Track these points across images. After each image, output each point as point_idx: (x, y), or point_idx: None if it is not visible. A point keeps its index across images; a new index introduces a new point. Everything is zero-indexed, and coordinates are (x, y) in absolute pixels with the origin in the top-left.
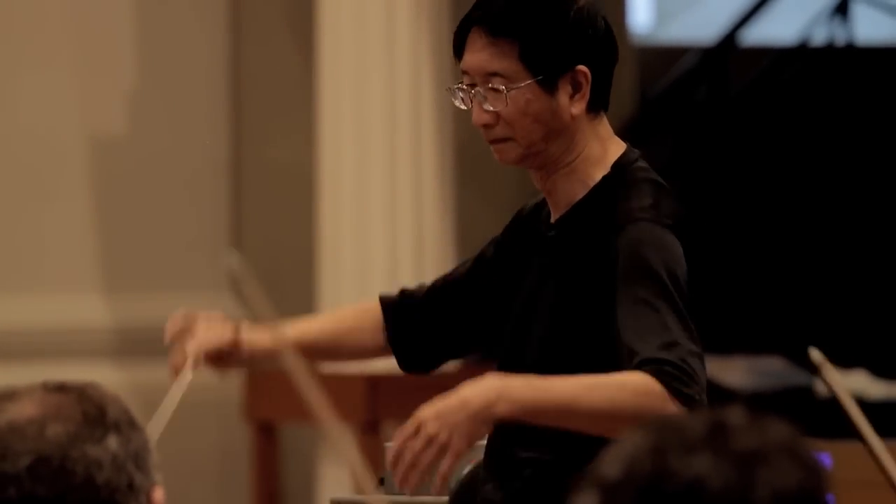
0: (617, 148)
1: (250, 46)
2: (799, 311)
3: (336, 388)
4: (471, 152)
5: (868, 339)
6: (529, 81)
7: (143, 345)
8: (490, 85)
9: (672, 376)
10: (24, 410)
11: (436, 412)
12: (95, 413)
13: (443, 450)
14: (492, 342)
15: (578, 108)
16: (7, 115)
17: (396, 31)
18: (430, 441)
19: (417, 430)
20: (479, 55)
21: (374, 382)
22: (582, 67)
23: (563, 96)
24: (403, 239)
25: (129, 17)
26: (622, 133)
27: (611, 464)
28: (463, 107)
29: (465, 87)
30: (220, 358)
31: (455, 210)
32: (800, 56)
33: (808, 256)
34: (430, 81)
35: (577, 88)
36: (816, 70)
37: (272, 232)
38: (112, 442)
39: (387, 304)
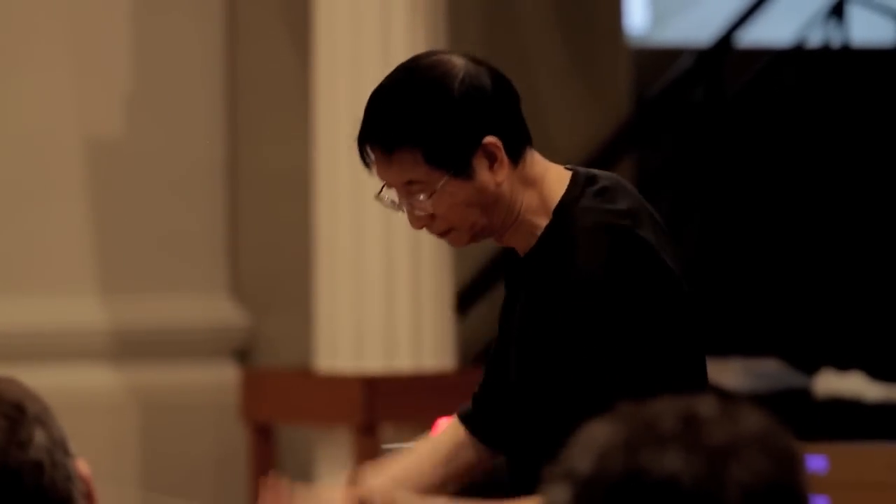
0: (557, 185)
1: (247, 49)
2: (796, 313)
3: (333, 389)
4: None
5: (865, 341)
6: (445, 178)
7: (140, 346)
8: (411, 192)
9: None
10: None
11: None
12: (15, 413)
13: None
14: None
15: (501, 174)
16: (4, 116)
17: (392, 33)
18: None
19: None
20: (388, 170)
21: (372, 384)
22: (489, 139)
23: (483, 173)
24: (400, 241)
25: (126, 19)
26: (618, 135)
27: (582, 457)
28: (400, 212)
29: (387, 191)
30: None
31: None
32: (796, 58)
33: (805, 258)
34: None
35: (492, 159)
36: (812, 72)
37: (269, 233)
38: (40, 437)
39: (464, 416)
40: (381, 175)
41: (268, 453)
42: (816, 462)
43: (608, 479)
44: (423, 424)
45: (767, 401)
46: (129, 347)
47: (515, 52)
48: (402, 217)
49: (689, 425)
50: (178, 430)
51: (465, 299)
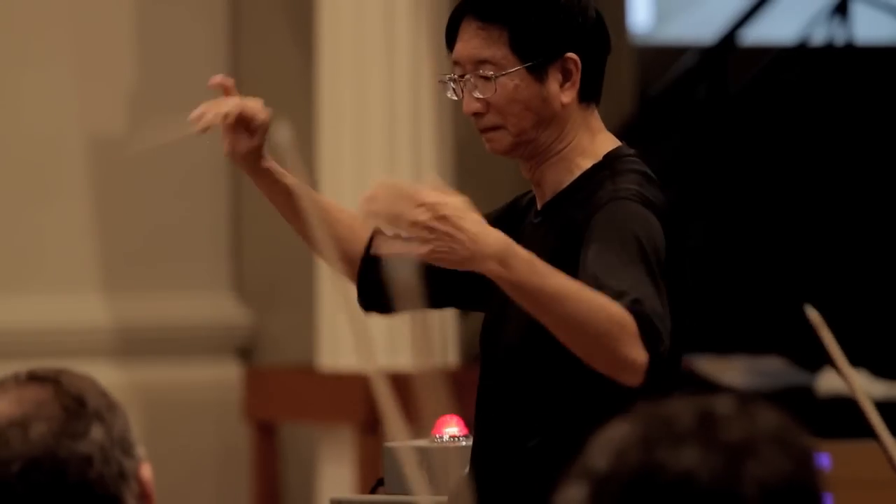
0: (609, 142)
1: (250, 47)
2: (799, 310)
3: (336, 387)
4: (470, 151)
5: (868, 339)
6: (518, 68)
7: (143, 344)
8: (480, 72)
9: (649, 327)
10: (2, 411)
11: (452, 217)
12: (75, 405)
13: (422, 240)
14: (465, 305)
15: (569, 96)
16: (7, 114)
17: (395, 31)
18: (420, 225)
19: (422, 207)
20: (469, 43)
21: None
22: (572, 55)
23: (552, 84)
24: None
25: (129, 17)
26: (622, 132)
27: (599, 455)
28: (454, 97)
29: (456, 77)
30: (245, 130)
31: None
32: (799, 56)
33: (808, 256)
34: (429, 81)
35: (567, 77)
36: (816, 70)
37: (272, 232)
38: (97, 433)
39: (374, 234)
40: (461, 49)
41: (271, 451)
42: (819, 460)
43: (625, 476)
44: (425, 423)
45: (770, 399)
46: (132, 345)
47: None
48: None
49: (705, 422)
50: (181, 427)
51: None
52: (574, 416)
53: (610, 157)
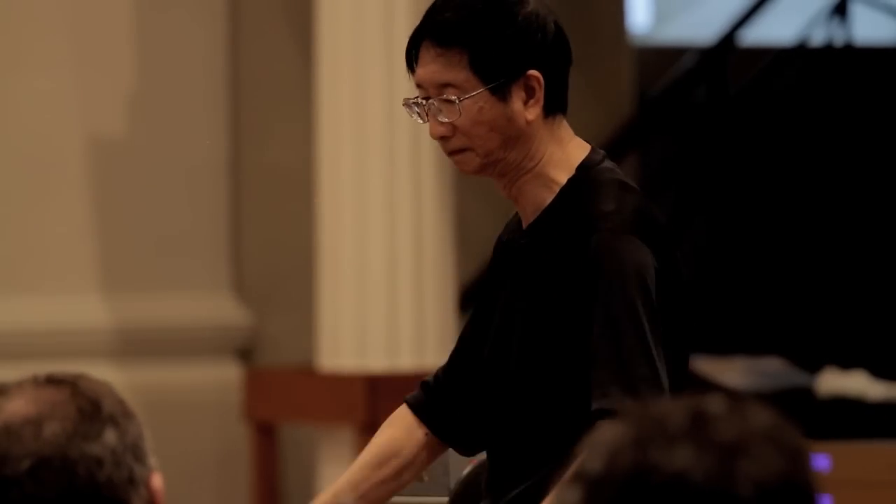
0: (580, 150)
1: (250, 47)
2: (799, 311)
3: (336, 388)
4: None
5: (868, 340)
6: (481, 90)
7: (142, 345)
8: (443, 96)
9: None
10: (17, 410)
11: None
12: (91, 408)
13: None
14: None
15: (533, 113)
16: (6, 115)
17: (395, 31)
18: None
19: None
20: (429, 67)
21: (375, 383)
22: (534, 72)
23: (516, 103)
24: (403, 240)
25: (128, 18)
26: (621, 133)
27: (593, 458)
28: (420, 121)
29: (420, 101)
30: None
31: (454, 210)
32: (798, 56)
33: (807, 257)
34: None
35: (530, 94)
36: (815, 71)
37: (271, 232)
38: (110, 437)
39: (415, 404)
40: (422, 74)
41: (270, 452)
42: (819, 461)
43: (618, 478)
44: None
45: (770, 400)
46: (131, 346)
47: None
48: (405, 215)
49: (697, 422)
50: (180, 428)
51: (468, 298)
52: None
53: (584, 168)
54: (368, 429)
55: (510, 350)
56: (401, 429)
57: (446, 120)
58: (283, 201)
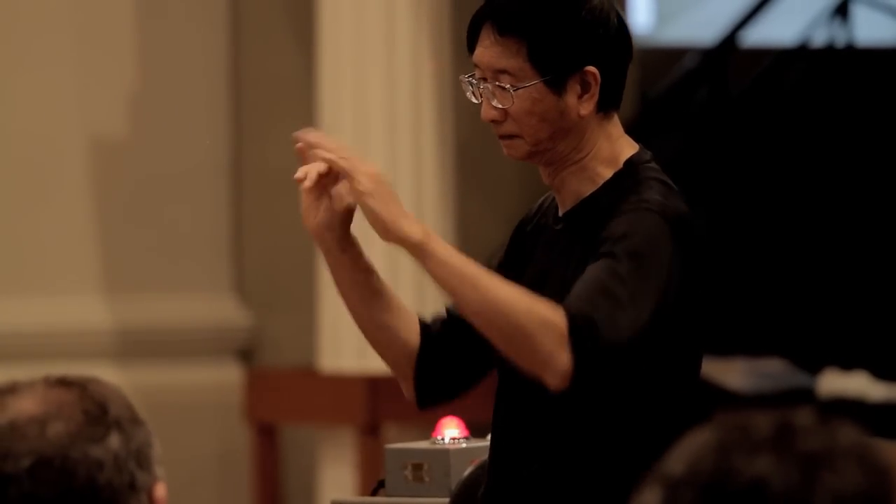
0: (629, 148)
1: (251, 48)
2: (799, 312)
3: (336, 389)
4: (471, 153)
5: (869, 341)
6: (536, 81)
7: (143, 346)
8: (498, 82)
9: (583, 332)
10: (25, 408)
11: (377, 185)
12: (97, 411)
13: (348, 185)
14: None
15: (587, 108)
16: (7, 115)
17: (396, 33)
18: (349, 174)
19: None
20: (488, 51)
21: (375, 383)
22: (591, 68)
23: (571, 96)
24: None
25: (130, 18)
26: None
27: (676, 461)
28: (474, 100)
29: (475, 80)
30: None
31: (455, 210)
32: (800, 57)
33: (808, 258)
34: (429, 83)
35: (585, 89)
36: (817, 71)
37: (272, 233)
38: (113, 441)
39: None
40: (480, 56)
41: (271, 453)
42: None
43: (698, 480)
44: (426, 424)
45: (771, 401)
46: (132, 347)
47: None
48: None
49: (783, 432)
50: (181, 429)
51: None
52: (602, 435)
53: (630, 164)
54: (369, 429)
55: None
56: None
57: (499, 106)
58: (284, 202)
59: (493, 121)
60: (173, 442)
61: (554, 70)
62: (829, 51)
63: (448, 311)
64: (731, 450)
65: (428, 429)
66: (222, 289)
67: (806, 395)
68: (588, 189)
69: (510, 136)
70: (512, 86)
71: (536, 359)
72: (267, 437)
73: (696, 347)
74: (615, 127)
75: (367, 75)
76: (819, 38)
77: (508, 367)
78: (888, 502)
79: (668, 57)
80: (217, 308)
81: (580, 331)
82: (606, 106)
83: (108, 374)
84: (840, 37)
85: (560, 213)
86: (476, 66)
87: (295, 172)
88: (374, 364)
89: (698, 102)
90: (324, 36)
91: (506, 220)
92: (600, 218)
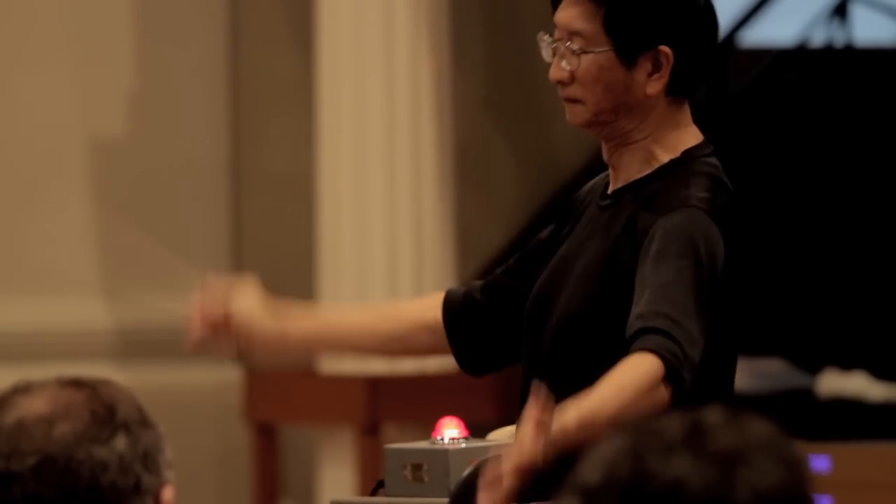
0: (692, 137)
1: (250, 49)
2: (799, 312)
3: (336, 389)
4: (471, 156)
5: (869, 341)
6: (606, 49)
7: (142, 346)
8: (570, 43)
9: (672, 363)
10: (33, 407)
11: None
12: (104, 412)
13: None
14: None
15: (654, 88)
16: (6, 116)
17: (395, 33)
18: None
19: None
20: (566, 11)
21: (375, 384)
22: (665, 48)
23: (640, 73)
24: (403, 244)
25: (128, 20)
26: None
27: (590, 469)
28: (547, 59)
29: (553, 39)
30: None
31: (454, 213)
32: (798, 58)
33: (808, 258)
34: (429, 85)
35: (656, 68)
36: (815, 72)
37: (272, 235)
38: (120, 442)
39: (449, 304)
40: (560, 15)
41: (271, 453)
42: (820, 462)
43: (616, 487)
44: (425, 425)
45: (771, 401)
46: (131, 347)
47: (518, 54)
48: (405, 216)
49: (695, 432)
50: (181, 429)
51: None
52: None
53: (688, 155)
54: (368, 430)
55: (556, 299)
56: (420, 315)
57: (567, 67)
58: (283, 203)
59: (559, 82)
60: (173, 442)
61: (627, 42)
62: (828, 51)
63: (497, 280)
64: (646, 453)
65: (427, 429)
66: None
67: (805, 395)
68: (643, 170)
69: (574, 101)
70: (582, 49)
71: (654, 410)
72: (266, 437)
73: (734, 344)
74: (683, 115)
75: (365, 76)
76: (818, 39)
77: (539, 329)
78: (805, 493)
79: None
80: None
81: (672, 366)
82: (677, 91)
83: (108, 374)
84: (839, 37)
85: (609, 191)
86: (555, 25)
87: (295, 172)
88: (373, 364)
89: (697, 102)
90: (322, 36)
91: (505, 222)
92: (645, 202)
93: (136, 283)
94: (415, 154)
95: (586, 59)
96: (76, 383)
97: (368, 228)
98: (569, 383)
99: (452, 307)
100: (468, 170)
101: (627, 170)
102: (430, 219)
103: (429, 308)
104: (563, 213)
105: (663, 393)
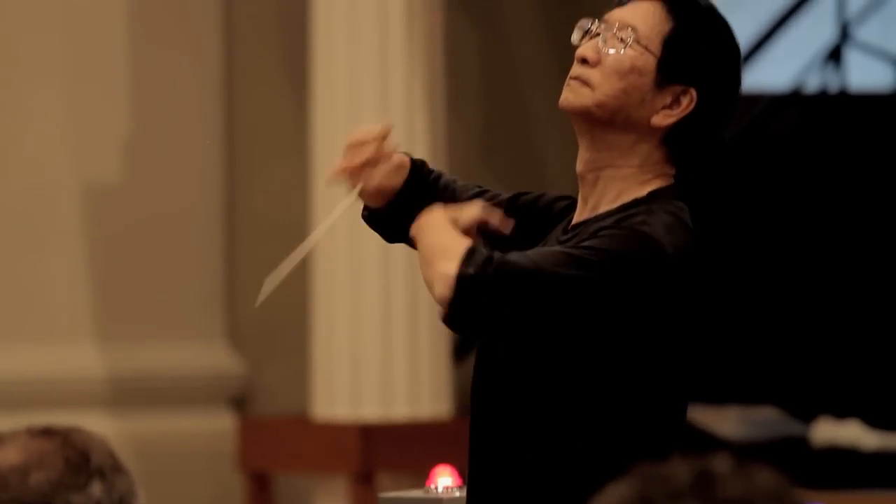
0: (664, 181)
1: (245, 94)
2: (793, 361)
3: (330, 437)
4: None
5: (863, 390)
6: (653, 55)
7: (136, 394)
8: (619, 31)
9: (473, 253)
10: (6, 457)
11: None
12: (78, 459)
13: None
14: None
15: (660, 119)
16: (1, 163)
17: (390, 83)
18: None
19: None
20: (633, 9)
21: (369, 432)
22: (693, 92)
23: (661, 99)
24: (397, 288)
25: (123, 65)
26: None
27: None
28: (574, 42)
29: (592, 29)
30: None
31: None
32: (793, 102)
33: (802, 305)
34: (423, 130)
35: (674, 104)
36: (810, 117)
37: (265, 280)
38: (95, 489)
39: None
40: (620, 13)
41: (265, 501)
42: None
43: None
44: (419, 473)
45: (765, 449)
46: (125, 395)
47: (512, 103)
48: (398, 264)
49: (703, 480)
50: (174, 477)
51: (462, 346)
52: (573, 464)
53: (654, 195)
54: (362, 478)
55: (499, 374)
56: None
57: (603, 49)
58: (277, 250)
59: (583, 59)
60: (167, 490)
61: (675, 62)
62: (823, 96)
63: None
64: (653, 500)
65: (421, 477)
66: (215, 336)
67: (799, 444)
68: (607, 206)
69: (584, 83)
70: (632, 39)
71: (430, 278)
72: (260, 485)
73: (680, 389)
74: (667, 166)
75: (360, 122)
76: (812, 84)
77: (483, 403)
78: None
79: None
80: (210, 356)
81: (473, 255)
82: (673, 142)
83: (101, 422)
84: (833, 82)
85: (573, 223)
86: (605, 21)
87: (289, 219)
88: (367, 412)
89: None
90: (317, 82)
91: None
92: (595, 230)
93: (129, 330)
94: None
95: (628, 51)
96: (46, 432)
97: (363, 274)
98: (517, 456)
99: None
100: None
101: (596, 202)
102: None
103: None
104: (547, 204)
105: (448, 263)
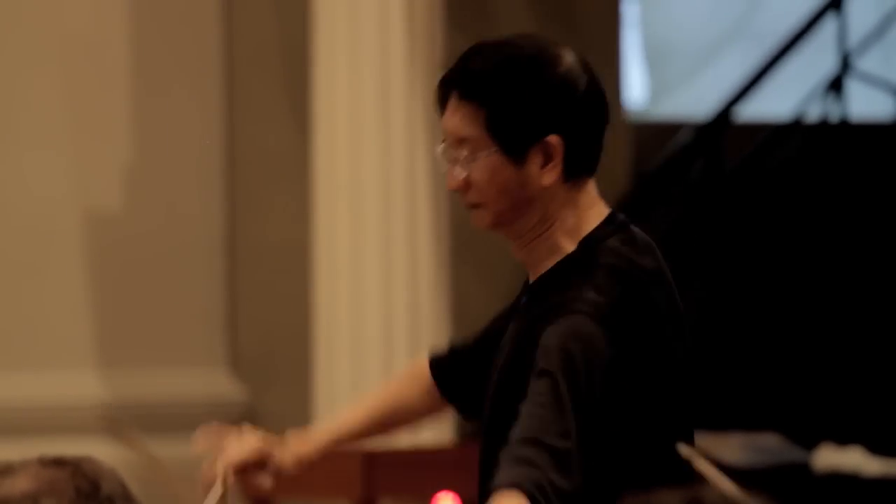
0: (595, 218)
1: (246, 122)
2: (795, 387)
3: (332, 464)
4: (466, 229)
5: (864, 416)
6: (494, 150)
7: (138, 421)
8: (458, 151)
9: (537, 494)
10: (18, 485)
11: None
12: (89, 488)
13: None
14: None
15: (549, 178)
16: (3, 190)
17: (391, 108)
18: None
19: None
20: (450, 118)
21: (371, 458)
22: (553, 138)
23: (532, 167)
24: (398, 316)
25: (124, 94)
26: (617, 209)
27: None
28: (442, 169)
29: (445, 147)
30: (248, 470)
31: (450, 286)
32: (794, 132)
33: (804, 333)
34: (425, 158)
35: (548, 158)
36: (811, 147)
37: (268, 308)
38: None
39: (435, 363)
40: (445, 122)
41: None
42: None
43: None
44: (422, 499)
45: (767, 476)
46: (127, 422)
47: None
48: (401, 289)
49: None
50: None
51: None
52: None
53: (585, 245)
54: None
55: (487, 399)
56: (414, 388)
57: (461, 175)
58: (279, 276)
59: (457, 189)
60: None
61: (512, 140)
62: (824, 126)
63: (486, 330)
64: None
65: (424, 503)
66: (217, 363)
67: (801, 470)
68: (549, 263)
69: (475, 206)
70: (470, 155)
71: None
72: None
73: (669, 418)
74: (585, 195)
75: (361, 149)
76: (813, 114)
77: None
78: None
79: (662, 132)
80: (212, 382)
81: (536, 499)
82: (575, 174)
83: (102, 449)
84: (834, 112)
85: (529, 283)
86: (444, 132)
87: (291, 245)
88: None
89: (693, 177)
90: (318, 109)
91: (500, 296)
92: (544, 308)
93: (130, 357)
94: (411, 227)
95: (477, 165)
96: (58, 461)
97: (364, 301)
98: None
99: (440, 362)
100: (463, 244)
101: (538, 265)
102: (425, 291)
103: (418, 375)
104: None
105: None
